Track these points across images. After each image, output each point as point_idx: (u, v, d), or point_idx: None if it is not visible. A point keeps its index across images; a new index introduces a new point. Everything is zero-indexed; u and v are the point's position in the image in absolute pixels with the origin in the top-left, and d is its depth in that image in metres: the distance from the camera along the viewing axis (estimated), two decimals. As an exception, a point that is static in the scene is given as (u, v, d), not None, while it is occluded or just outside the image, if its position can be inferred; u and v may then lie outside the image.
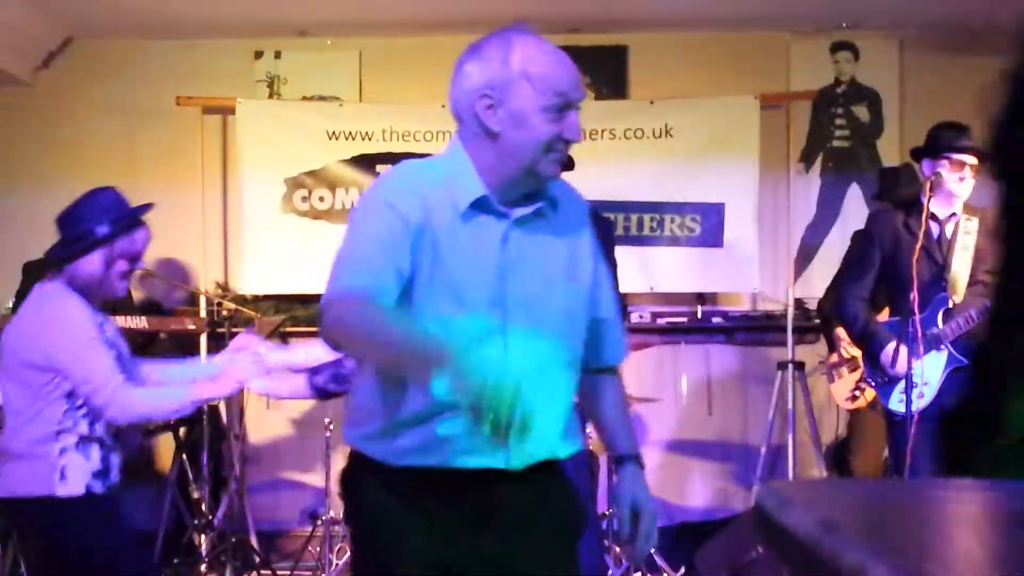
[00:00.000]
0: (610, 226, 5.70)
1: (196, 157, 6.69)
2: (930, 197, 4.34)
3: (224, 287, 6.82)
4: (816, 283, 6.47)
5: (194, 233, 6.72)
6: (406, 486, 2.37)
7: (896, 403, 4.41)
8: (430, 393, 2.10)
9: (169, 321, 5.82)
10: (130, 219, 3.42)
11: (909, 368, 4.28)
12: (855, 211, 6.78)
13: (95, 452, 3.45)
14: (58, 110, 6.88)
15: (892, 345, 4.41)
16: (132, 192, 6.88)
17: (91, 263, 3.34)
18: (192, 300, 6.66)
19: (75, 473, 3.37)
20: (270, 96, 6.97)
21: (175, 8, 6.50)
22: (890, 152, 6.82)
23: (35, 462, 3.34)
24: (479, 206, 2.37)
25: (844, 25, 6.85)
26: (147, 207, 3.50)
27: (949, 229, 4.45)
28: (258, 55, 7.01)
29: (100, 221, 3.34)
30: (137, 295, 6.64)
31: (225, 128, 6.91)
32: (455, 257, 2.33)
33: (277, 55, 7.01)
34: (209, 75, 6.88)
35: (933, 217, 4.46)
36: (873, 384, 4.63)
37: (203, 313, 6.41)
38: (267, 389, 3.49)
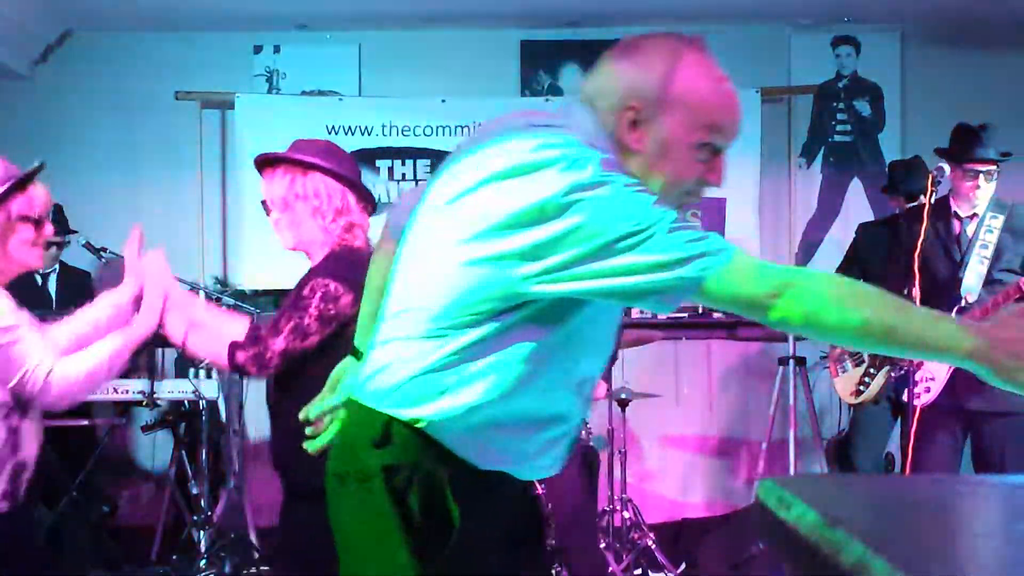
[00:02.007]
0: None
1: (195, 151, 6.68)
2: (931, 193, 4.32)
3: (223, 282, 6.81)
4: (817, 278, 6.47)
5: (193, 228, 6.71)
6: (483, 492, 2.05)
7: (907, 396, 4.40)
8: (572, 395, 2.03)
9: (168, 316, 5.80)
10: (19, 179, 3.02)
11: (909, 363, 4.26)
12: (857, 206, 6.78)
13: None
14: (56, 104, 6.87)
15: None
16: (131, 186, 6.94)
17: None
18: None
19: None
20: (269, 90, 6.96)
21: (174, 2, 6.48)
22: (892, 146, 6.81)
23: None
24: None
25: (845, 19, 6.84)
26: (41, 167, 3.09)
27: (971, 228, 4.45)
28: (257, 49, 7.00)
29: None
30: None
31: (224, 122, 6.90)
32: None
33: (276, 49, 6.99)
34: (208, 69, 6.87)
35: (956, 216, 4.49)
36: (894, 376, 4.66)
37: (202, 308, 6.38)
38: (193, 343, 3.18)
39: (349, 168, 3.13)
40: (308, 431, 2.35)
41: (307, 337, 2.92)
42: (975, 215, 4.45)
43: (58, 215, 5.84)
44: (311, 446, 2.32)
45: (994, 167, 4.40)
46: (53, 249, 5.85)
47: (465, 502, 2.01)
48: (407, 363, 1.99)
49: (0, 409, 2.98)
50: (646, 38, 2.14)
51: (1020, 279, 4.23)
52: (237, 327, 3.08)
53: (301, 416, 2.37)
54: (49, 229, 3.12)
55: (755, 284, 1.85)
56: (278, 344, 2.91)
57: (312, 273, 3.02)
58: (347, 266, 2.96)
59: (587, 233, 1.84)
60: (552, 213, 1.85)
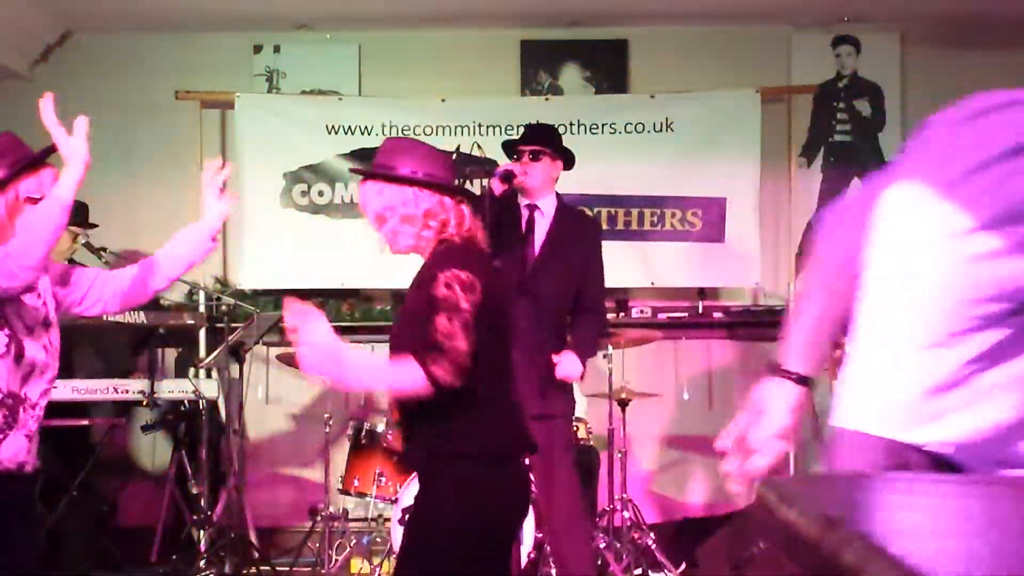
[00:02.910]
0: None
1: (195, 151, 6.68)
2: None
3: (223, 282, 6.80)
4: (817, 278, 6.47)
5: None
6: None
7: None
8: None
9: (168, 316, 5.80)
10: (30, 160, 3.09)
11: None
12: (857, 205, 6.77)
13: None
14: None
15: None
16: (131, 186, 6.93)
17: None
18: (191, 295, 6.64)
19: None
20: (269, 90, 6.95)
21: (174, 2, 6.48)
22: (892, 146, 6.81)
23: None
24: None
25: (845, 19, 6.84)
26: (51, 149, 3.14)
27: None
28: (257, 49, 6.99)
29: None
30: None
31: (224, 122, 6.90)
32: None
33: (276, 49, 6.99)
34: (208, 69, 6.87)
35: None
36: None
37: (202, 308, 6.40)
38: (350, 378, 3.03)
39: (432, 167, 3.07)
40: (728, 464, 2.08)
41: (472, 331, 2.87)
42: None
43: (80, 212, 5.80)
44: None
45: None
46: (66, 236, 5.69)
47: None
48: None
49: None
50: None
51: None
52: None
53: (718, 445, 2.14)
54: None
55: None
56: (463, 345, 2.82)
57: (432, 268, 2.95)
58: (465, 255, 2.95)
59: None
60: None
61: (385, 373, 2.92)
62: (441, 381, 2.78)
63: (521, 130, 5.09)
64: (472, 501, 2.89)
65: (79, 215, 5.75)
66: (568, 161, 4.85)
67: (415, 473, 3.72)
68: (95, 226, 5.82)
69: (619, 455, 5.67)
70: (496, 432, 2.97)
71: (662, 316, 6.74)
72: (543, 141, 4.78)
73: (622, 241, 6.57)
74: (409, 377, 2.79)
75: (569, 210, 4.91)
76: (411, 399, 2.87)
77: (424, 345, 2.80)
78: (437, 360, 2.79)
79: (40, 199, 3.05)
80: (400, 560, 3.08)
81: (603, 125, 6.64)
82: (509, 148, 4.89)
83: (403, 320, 3.04)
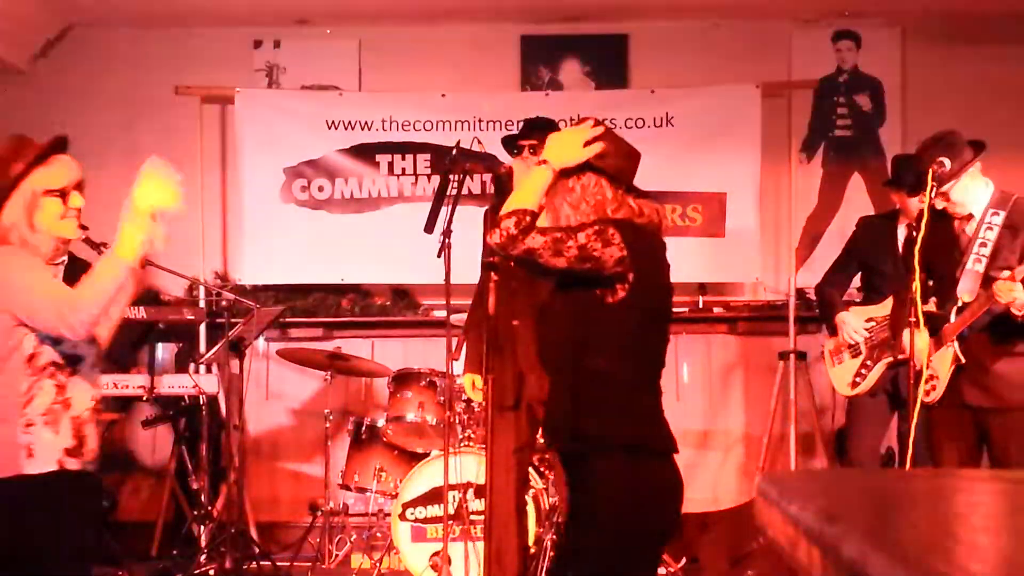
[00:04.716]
0: None
1: (195, 146, 6.68)
2: (931, 188, 4.29)
3: (223, 277, 6.81)
4: (818, 273, 6.44)
5: (193, 223, 6.70)
6: None
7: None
8: None
9: (168, 311, 5.80)
10: (39, 154, 3.11)
11: (911, 357, 4.26)
12: (857, 200, 6.77)
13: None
14: (56, 99, 6.86)
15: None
16: (130, 181, 6.90)
17: (13, 208, 3.07)
18: (191, 290, 6.64)
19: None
20: (269, 85, 6.95)
21: (173, -3, 6.48)
22: (892, 141, 6.80)
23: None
24: None
25: (846, 14, 6.83)
26: (59, 139, 3.19)
27: (971, 228, 4.42)
28: (257, 44, 6.99)
29: (11, 163, 3.07)
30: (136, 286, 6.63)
31: (224, 117, 6.90)
32: None
33: (276, 44, 6.99)
34: (208, 64, 6.87)
35: (953, 217, 4.46)
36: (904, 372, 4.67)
37: (202, 303, 6.40)
38: None
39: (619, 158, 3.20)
40: None
41: (560, 255, 2.91)
42: (971, 215, 4.42)
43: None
44: None
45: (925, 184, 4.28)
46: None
47: None
48: None
49: (48, 368, 3.05)
50: None
51: (993, 284, 4.20)
52: None
53: None
54: (77, 199, 3.17)
55: None
56: (534, 241, 2.91)
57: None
58: (629, 229, 3.01)
59: None
60: None
61: None
62: (500, 238, 2.96)
63: (521, 125, 5.09)
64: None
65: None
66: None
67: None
68: (85, 228, 5.79)
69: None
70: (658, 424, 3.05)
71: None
72: (541, 134, 4.80)
73: (622, 236, 6.57)
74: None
75: None
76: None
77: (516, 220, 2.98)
78: (506, 227, 2.96)
79: (60, 191, 3.10)
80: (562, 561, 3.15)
81: (603, 120, 6.62)
82: (509, 143, 4.89)
83: None
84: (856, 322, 5.20)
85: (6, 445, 3.00)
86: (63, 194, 3.14)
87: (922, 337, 4.18)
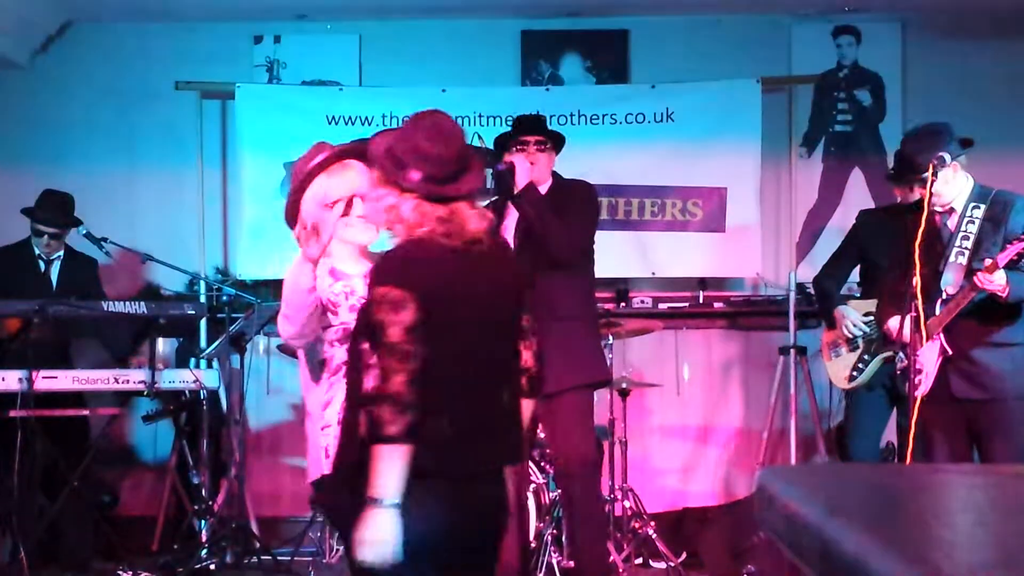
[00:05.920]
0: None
1: (195, 142, 6.68)
2: (932, 183, 4.31)
3: (224, 272, 6.81)
4: (818, 268, 6.46)
5: (193, 218, 6.71)
6: None
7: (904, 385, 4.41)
8: None
9: (168, 306, 5.80)
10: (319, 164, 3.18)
11: (914, 353, 4.27)
12: (857, 195, 6.77)
13: None
14: (56, 94, 6.86)
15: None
16: (131, 176, 6.93)
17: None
18: (192, 285, 6.65)
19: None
20: (269, 80, 6.94)
21: (174, -8, 6.48)
22: (893, 136, 6.79)
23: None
24: None
25: (846, 8, 6.82)
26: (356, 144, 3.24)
27: (952, 222, 4.44)
28: (257, 39, 6.98)
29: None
30: (137, 281, 6.65)
31: (224, 113, 6.90)
32: None
33: (276, 39, 6.98)
34: (208, 59, 6.86)
35: (935, 211, 4.48)
36: (898, 367, 4.67)
37: (203, 298, 6.40)
38: None
39: None
40: None
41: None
42: (952, 210, 4.45)
43: (65, 207, 5.80)
44: None
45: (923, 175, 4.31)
46: (46, 239, 5.78)
47: None
48: None
49: (341, 369, 2.97)
50: None
51: (976, 276, 4.21)
52: None
53: None
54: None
55: None
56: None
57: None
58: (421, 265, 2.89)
59: None
60: None
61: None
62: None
63: (515, 125, 5.04)
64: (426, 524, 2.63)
65: (62, 212, 5.75)
66: (558, 146, 4.88)
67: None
68: (80, 222, 5.80)
69: (620, 445, 5.67)
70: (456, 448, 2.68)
71: (663, 306, 6.74)
72: (543, 130, 4.83)
73: (622, 231, 6.57)
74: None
75: (562, 182, 4.84)
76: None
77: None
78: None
79: (332, 204, 3.16)
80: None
81: (604, 115, 6.63)
82: (507, 141, 4.86)
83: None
84: (856, 316, 5.21)
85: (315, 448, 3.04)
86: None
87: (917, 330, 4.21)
